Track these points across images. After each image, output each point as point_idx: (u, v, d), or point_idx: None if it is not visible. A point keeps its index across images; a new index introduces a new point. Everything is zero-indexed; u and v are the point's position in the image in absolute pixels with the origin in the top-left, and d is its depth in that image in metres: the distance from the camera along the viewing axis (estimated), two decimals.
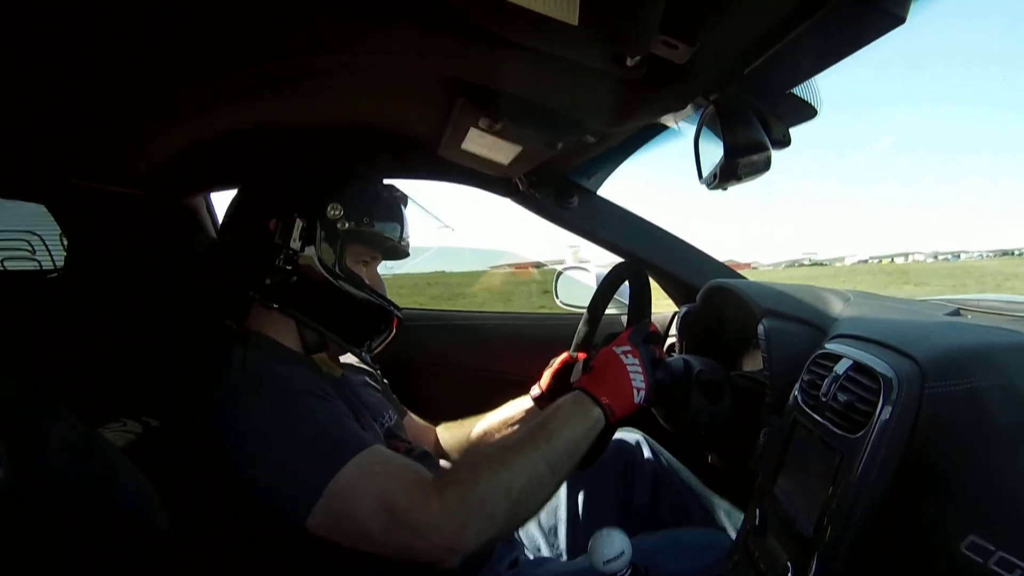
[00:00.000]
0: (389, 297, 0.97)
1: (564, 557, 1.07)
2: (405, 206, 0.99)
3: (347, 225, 0.88)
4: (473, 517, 0.67)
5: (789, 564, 0.64)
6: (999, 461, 0.53)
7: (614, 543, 0.71)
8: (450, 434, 1.17)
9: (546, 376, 1.11)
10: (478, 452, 0.79)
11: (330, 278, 0.88)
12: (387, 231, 0.94)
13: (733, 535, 0.91)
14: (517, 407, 1.13)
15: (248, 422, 0.74)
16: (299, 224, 0.87)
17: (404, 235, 0.97)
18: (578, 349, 1.12)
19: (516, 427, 1.11)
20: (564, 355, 1.11)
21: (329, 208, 0.87)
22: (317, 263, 0.87)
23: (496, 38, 0.62)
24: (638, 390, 0.78)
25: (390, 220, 0.94)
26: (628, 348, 0.81)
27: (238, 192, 0.97)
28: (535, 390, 1.11)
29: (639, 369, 0.79)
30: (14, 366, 0.53)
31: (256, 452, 0.71)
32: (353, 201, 0.89)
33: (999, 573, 0.46)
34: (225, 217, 0.96)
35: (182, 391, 0.91)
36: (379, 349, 0.97)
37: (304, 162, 0.94)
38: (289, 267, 0.87)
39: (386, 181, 1.00)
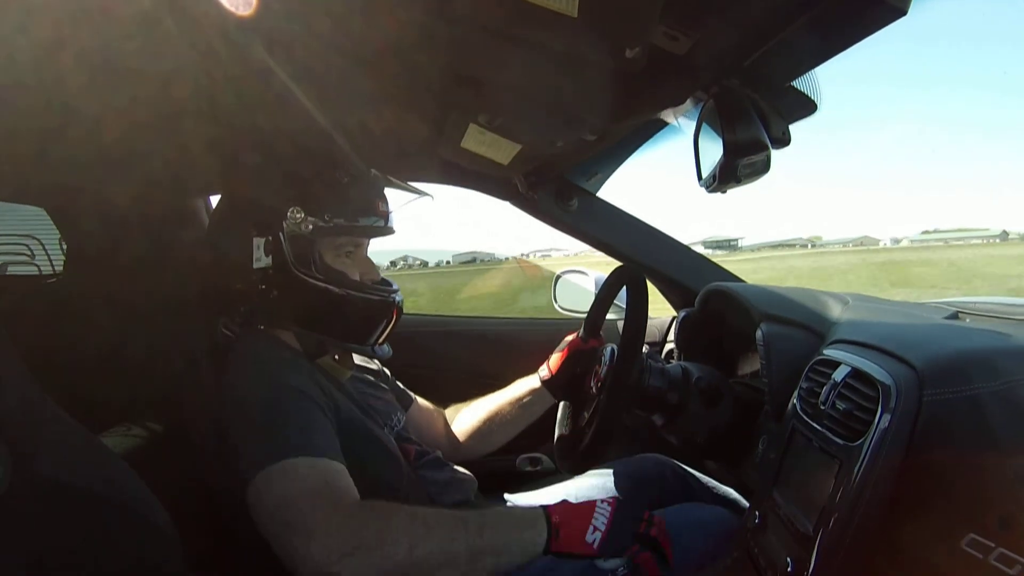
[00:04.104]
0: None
1: None
2: (373, 182, 0.93)
3: (311, 225, 0.85)
4: (361, 550, 0.65)
5: (789, 559, 0.62)
6: (1000, 466, 0.52)
7: None
8: (459, 416, 1.16)
9: (556, 358, 1.10)
10: (408, 507, 0.73)
11: (312, 281, 0.85)
12: (357, 216, 0.89)
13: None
14: (525, 386, 1.11)
15: (237, 388, 0.79)
16: (258, 242, 0.84)
17: (378, 213, 0.91)
18: (587, 333, 1.11)
19: (524, 405, 1.10)
20: (574, 336, 1.10)
21: (289, 214, 0.84)
22: (294, 271, 0.85)
23: (496, 32, 0.62)
24: (595, 528, 0.73)
25: (357, 204, 0.89)
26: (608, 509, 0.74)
27: (214, 210, 0.95)
28: (544, 371, 1.10)
29: (605, 520, 0.73)
30: (13, 369, 0.53)
31: (234, 412, 0.77)
32: (311, 198, 0.86)
33: (999, 568, 0.45)
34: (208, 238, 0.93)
35: (184, 393, 0.90)
36: (382, 338, 0.93)
37: (292, 166, 0.90)
38: (264, 286, 0.85)
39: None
